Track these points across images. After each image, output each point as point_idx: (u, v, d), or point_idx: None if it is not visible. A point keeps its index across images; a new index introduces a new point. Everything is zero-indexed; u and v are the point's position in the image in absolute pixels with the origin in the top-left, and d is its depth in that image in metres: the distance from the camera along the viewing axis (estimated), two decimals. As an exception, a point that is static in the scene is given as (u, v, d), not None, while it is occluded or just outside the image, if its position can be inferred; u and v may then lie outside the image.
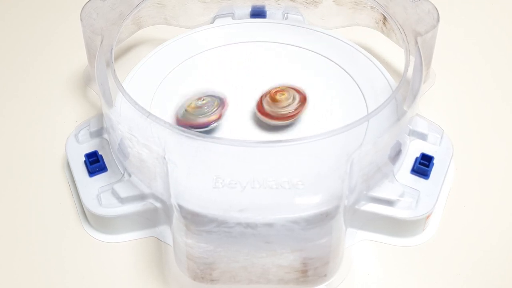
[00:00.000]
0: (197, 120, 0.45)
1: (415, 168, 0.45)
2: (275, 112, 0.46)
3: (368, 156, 0.41)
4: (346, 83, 0.49)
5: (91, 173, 0.45)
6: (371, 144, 0.41)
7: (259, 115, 0.46)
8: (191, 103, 0.46)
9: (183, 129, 0.40)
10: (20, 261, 0.44)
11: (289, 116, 0.46)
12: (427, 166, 0.45)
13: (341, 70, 0.50)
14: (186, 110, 0.46)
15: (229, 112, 0.47)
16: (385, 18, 0.51)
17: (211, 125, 0.46)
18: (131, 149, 0.42)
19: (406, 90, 0.44)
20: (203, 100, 0.46)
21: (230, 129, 0.46)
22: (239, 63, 0.51)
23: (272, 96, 0.46)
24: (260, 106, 0.46)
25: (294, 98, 0.46)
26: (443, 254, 0.44)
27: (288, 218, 0.38)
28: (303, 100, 0.46)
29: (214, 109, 0.46)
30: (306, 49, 0.52)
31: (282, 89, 0.47)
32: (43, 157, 0.49)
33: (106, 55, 0.45)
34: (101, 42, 0.46)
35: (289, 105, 0.46)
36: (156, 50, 0.51)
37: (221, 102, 0.46)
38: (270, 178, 0.40)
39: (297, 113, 0.46)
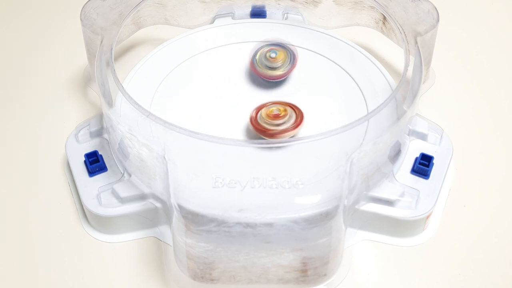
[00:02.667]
0: (262, 70, 0.48)
1: (415, 168, 0.45)
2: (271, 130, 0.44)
3: (368, 156, 0.41)
4: (346, 83, 0.49)
5: (91, 173, 0.45)
6: (371, 144, 0.41)
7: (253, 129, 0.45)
8: (267, 49, 0.49)
9: (183, 129, 0.40)
10: (20, 261, 0.44)
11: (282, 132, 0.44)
12: (427, 166, 0.45)
13: (341, 70, 0.50)
14: (257, 57, 0.49)
15: (226, 112, 0.47)
16: (385, 18, 0.51)
17: (273, 80, 0.49)
18: (131, 149, 0.42)
19: (406, 90, 0.44)
20: (276, 53, 0.49)
21: (226, 128, 0.46)
22: (238, 63, 0.51)
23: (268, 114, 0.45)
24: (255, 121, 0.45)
25: (290, 117, 0.45)
26: (443, 254, 0.44)
27: (288, 217, 0.38)
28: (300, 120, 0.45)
29: (283, 67, 0.48)
30: (306, 49, 0.52)
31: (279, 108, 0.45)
32: (43, 157, 0.49)
33: (106, 55, 0.45)
34: (101, 42, 0.46)
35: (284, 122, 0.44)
36: (156, 50, 0.51)
37: (292, 60, 0.49)
38: (270, 177, 0.40)
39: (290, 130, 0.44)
